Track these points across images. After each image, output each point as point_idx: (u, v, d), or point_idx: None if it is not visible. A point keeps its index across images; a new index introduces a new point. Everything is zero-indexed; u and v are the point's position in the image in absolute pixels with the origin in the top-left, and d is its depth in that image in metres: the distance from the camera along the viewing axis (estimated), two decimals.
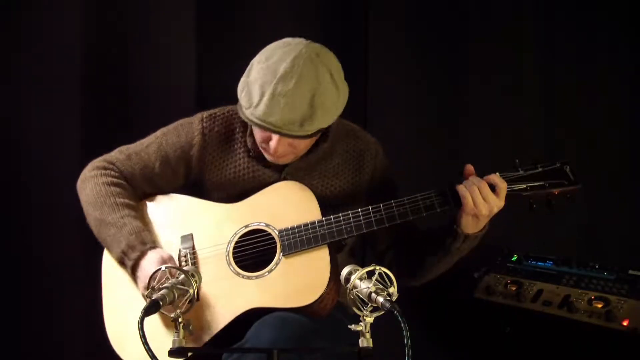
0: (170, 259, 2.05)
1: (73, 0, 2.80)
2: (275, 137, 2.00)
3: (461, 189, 1.98)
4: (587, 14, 2.90)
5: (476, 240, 2.08)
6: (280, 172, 2.16)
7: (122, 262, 2.08)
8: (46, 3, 2.80)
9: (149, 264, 2.03)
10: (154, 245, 2.07)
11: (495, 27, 2.97)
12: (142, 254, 2.04)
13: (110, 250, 2.11)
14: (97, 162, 2.21)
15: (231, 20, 2.92)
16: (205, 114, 2.21)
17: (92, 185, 2.15)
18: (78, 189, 2.21)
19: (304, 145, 2.06)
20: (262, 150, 2.10)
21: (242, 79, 2.00)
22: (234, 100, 2.20)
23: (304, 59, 1.93)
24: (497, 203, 1.99)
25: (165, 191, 2.22)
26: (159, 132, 2.22)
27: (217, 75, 2.87)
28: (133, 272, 2.06)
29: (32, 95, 2.80)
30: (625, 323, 2.19)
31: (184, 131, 2.19)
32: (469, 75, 2.99)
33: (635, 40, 2.86)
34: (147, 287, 1.76)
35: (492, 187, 1.98)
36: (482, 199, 1.96)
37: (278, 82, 1.91)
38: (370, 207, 2.04)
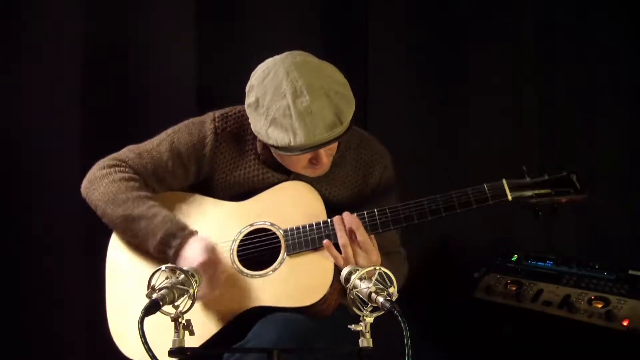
0: (214, 249, 2.03)
1: (73, 1, 2.80)
2: (322, 151, 2.01)
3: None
4: (586, 16, 2.91)
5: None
6: (288, 176, 2.16)
7: (161, 252, 2.03)
8: (46, 3, 2.80)
9: (194, 248, 2.00)
10: (192, 231, 2.06)
11: (495, 28, 2.97)
12: (184, 240, 2.02)
13: (145, 243, 2.05)
14: (106, 161, 2.17)
15: (231, 20, 2.93)
16: (217, 113, 2.20)
17: (106, 183, 2.11)
18: (86, 190, 2.15)
19: (336, 144, 2.07)
20: (305, 171, 2.09)
21: (257, 129, 1.99)
22: (234, 100, 2.20)
23: (293, 66, 1.95)
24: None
25: (173, 190, 2.21)
26: (169, 130, 2.20)
27: (217, 75, 2.87)
28: (175, 257, 2.02)
29: (33, 95, 2.80)
30: (625, 323, 2.19)
31: (196, 130, 2.18)
32: (468, 75, 2.99)
33: (636, 40, 2.86)
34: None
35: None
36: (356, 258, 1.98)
37: (294, 104, 1.91)
38: (375, 209, 2.04)
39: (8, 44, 2.78)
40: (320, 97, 1.92)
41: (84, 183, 2.17)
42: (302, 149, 1.94)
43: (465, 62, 2.99)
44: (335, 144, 2.05)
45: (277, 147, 1.97)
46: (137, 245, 2.10)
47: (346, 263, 1.96)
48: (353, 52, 2.92)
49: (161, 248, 2.03)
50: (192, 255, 1.99)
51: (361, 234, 1.99)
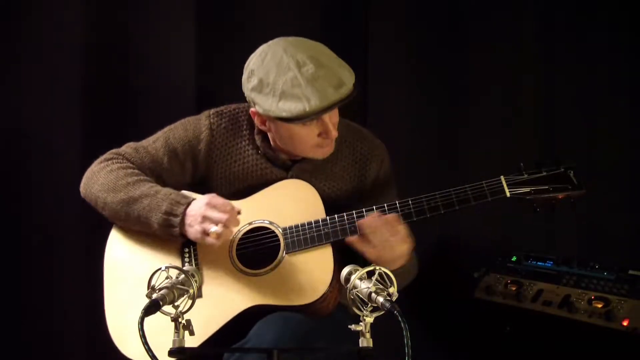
0: (214, 195, 2.04)
1: (73, 1, 2.80)
2: (331, 123, 2.04)
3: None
4: (587, 15, 2.91)
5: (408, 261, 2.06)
6: (287, 171, 2.17)
7: (167, 224, 2.03)
8: (46, 3, 2.80)
9: (195, 203, 2.02)
10: (195, 197, 2.06)
11: (496, 28, 2.97)
12: (188, 205, 2.03)
13: (148, 221, 2.05)
14: (104, 156, 2.19)
15: (231, 20, 2.93)
16: (212, 110, 2.22)
17: (105, 173, 2.12)
18: (85, 187, 2.16)
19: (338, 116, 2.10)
20: (313, 151, 2.10)
21: (266, 107, 2.00)
22: (233, 100, 2.20)
23: (288, 44, 2.01)
24: (385, 238, 2.00)
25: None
26: (165, 129, 2.22)
27: (217, 75, 2.87)
28: (181, 227, 2.02)
29: (33, 95, 2.80)
30: (625, 323, 2.19)
31: (191, 127, 2.20)
32: (469, 75, 2.99)
33: (636, 41, 2.86)
34: (202, 221, 1.95)
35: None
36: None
37: (300, 73, 1.95)
38: (374, 206, 2.05)
39: (8, 44, 2.78)
40: (322, 65, 1.98)
41: (83, 182, 2.18)
42: (318, 112, 1.96)
43: (465, 62, 2.98)
44: (337, 115, 2.07)
45: (291, 119, 1.98)
46: (141, 229, 2.10)
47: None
48: (353, 52, 2.92)
49: (166, 219, 2.03)
50: (194, 207, 2.01)
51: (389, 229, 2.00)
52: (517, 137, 2.94)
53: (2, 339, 2.78)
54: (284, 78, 1.96)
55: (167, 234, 2.06)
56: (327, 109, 1.97)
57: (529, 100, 2.97)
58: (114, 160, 2.16)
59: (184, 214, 2.02)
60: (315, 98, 1.94)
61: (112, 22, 2.86)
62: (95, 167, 2.18)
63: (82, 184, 2.18)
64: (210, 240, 1.98)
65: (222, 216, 1.98)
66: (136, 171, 2.14)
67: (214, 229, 1.96)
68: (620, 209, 2.86)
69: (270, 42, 2.06)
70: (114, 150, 2.20)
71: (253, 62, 2.04)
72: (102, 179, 2.12)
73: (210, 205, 2.00)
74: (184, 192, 2.11)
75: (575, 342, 2.30)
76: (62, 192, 2.73)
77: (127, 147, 2.21)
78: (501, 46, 2.97)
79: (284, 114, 1.97)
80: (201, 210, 2.00)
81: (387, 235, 1.99)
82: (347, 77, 2.00)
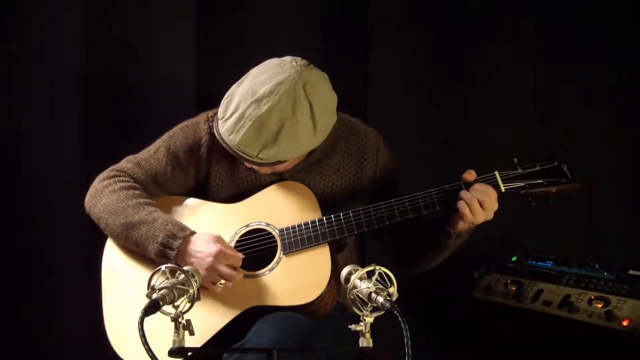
0: (220, 238, 2.04)
1: (73, 1, 2.80)
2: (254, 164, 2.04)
3: (461, 205, 1.99)
4: (586, 14, 2.91)
5: (468, 234, 2.11)
6: (280, 174, 2.17)
7: (163, 256, 2.02)
8: (46, 3, 2.80)
9: (200, 243, 2.01)
10: (193, 231, 2.05)
11: (496, 27, 2.97)
12: (186, 240, 2.02)
13: (146, 249, 2.04)
14: (105, 173, 2.18)
15: (231, 20, 2.93)
16: (210, 113, 2.20)
17: (107, 194, 2.11)
18: (89, 205, 2.15)
19: (281, 167, 2.07)
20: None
21: (232, 87, 2.01)
22: None
23: (288, 86, 1.93)
24: (494, 209, 2.02)
25: (174, 195, 2.21)
26: (164, 136, 2.21)
27: (217, 75, 2.87)
28: (178, 259, 2.01)
29: (32, 95, 2.80)
30: (625, 323, 2.19)
31: (191, 132, 2.18)
32: (469, 75, 2.99)
33: (635, 40, 2.86)
34: (211, 271, 1.95)
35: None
36: (481, 209, 1.99)
37: (252, 103, 1.93)
38: (370, 205, 2.05)
39: (8, 44, 2.78)
40: (271, 124, 1.92)
41: (87, 199, 2.17)
42: (217, 133, 1.99)
43: (466, 61, 2.99)
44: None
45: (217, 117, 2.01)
46: (140, 253, 2.09)
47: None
48: (353, 52, 2.92)
49: (162, 251, 2.02)
50: (201, 250, 2.00)
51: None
52: (517, 135, 2.94)
53: (2, 341, 2.78)
54: (248, 89, 1.94)
55: (163, 264, 2.05)
56: (222, 140, 1.98)
57: (529, 99, 2.97)
58: (117, 179, 2.15)
59: (179, 247, 2.01)
60: (227, 125, 1.95)
61: (112, 22, 2.86)
62: (97, 185, 2.16)
63: (86, 202, 2.18)
64: (212, 287, 2.01)
65: (231, 273, 1.99)
66: (137, 192, 2.12)
67: (221, 283, 2.00)
68: (620, 209, 2.86)
69: (296, 67, 1.97)
70: (114, 167, 2.19)
71: (259, 67, 2.01)
72: (104, 199, 2.11)
73: (221, 256, 1.99)
74: (180, 222, 2.07)
75: (575, 342, 2.30)
76: (62, 192, 2.73)
77: (128, 162, 2.19)
78: (501, 45, 2.97)
79: (220, 106, 2.00)
80: (210, 260, 1.98)
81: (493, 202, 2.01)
82: (274, 153, 1.94)
